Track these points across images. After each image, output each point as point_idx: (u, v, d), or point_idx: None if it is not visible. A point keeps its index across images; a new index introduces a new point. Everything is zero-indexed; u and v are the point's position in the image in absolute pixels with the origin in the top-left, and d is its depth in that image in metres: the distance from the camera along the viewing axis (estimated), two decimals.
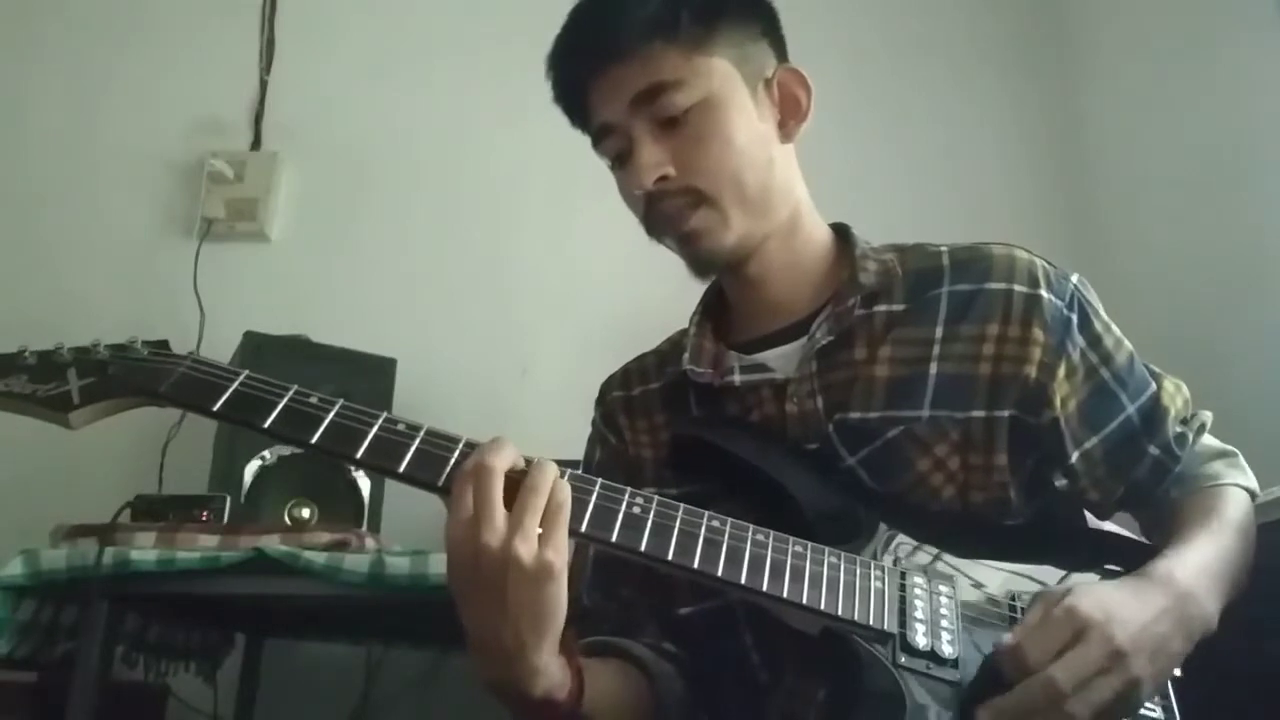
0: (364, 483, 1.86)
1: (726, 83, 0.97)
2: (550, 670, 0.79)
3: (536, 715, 0.82)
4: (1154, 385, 1.01)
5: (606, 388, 1.16)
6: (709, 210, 0.96)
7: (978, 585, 0.89)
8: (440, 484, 0.80)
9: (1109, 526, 1.11)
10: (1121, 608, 0.79)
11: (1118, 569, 0.92)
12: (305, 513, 1.82)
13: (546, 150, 2.29)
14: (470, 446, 0.83)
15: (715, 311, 1.11)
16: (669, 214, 0.97)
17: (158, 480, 2.15)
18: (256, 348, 1.93)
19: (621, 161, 0.99)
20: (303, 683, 2.14)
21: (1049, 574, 0.92)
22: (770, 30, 1.03)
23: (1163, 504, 1.00)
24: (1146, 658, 0.78)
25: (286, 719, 2.09)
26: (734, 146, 0.96)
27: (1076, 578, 0.91)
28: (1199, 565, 0.87)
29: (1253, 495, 1.01)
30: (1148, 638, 0.78)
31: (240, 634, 2.05)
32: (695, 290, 1.12)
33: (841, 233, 1.08)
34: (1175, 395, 1.02)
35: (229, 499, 1.72)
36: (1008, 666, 0.78)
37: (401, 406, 1.96)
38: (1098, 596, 0.80)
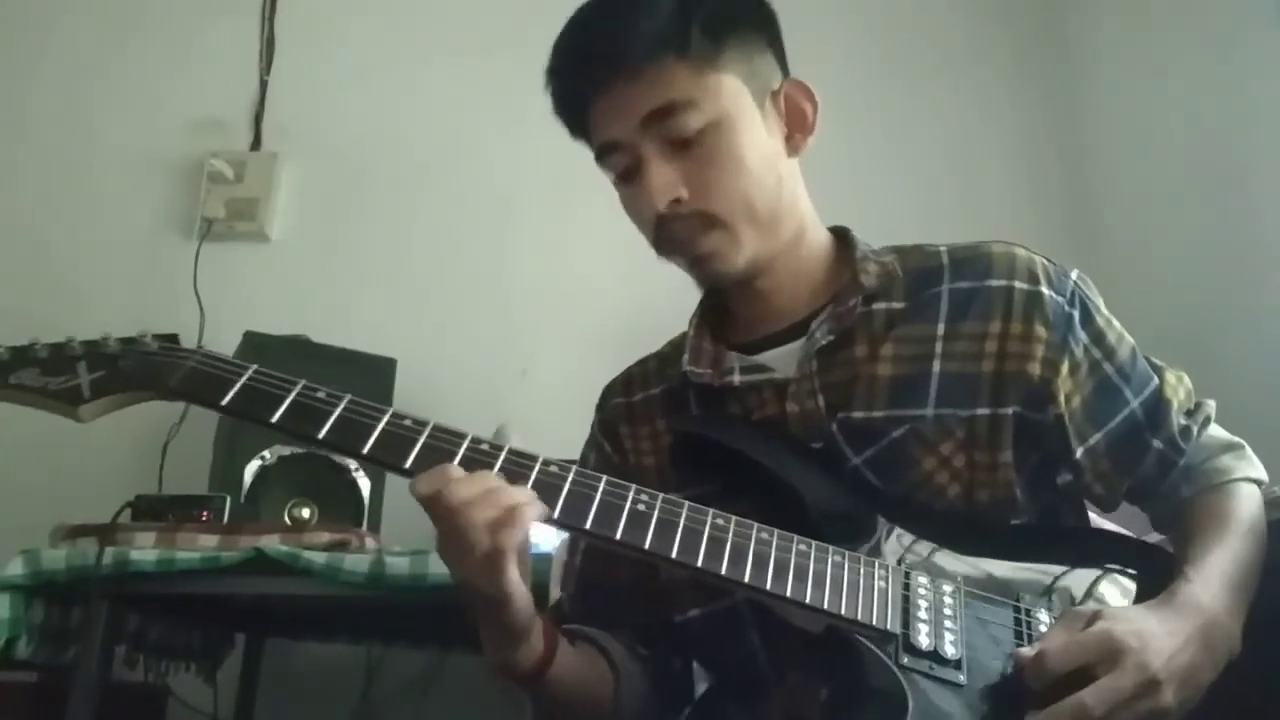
0: (364, 482, 1.86)
1: (737, 100, 0.95)
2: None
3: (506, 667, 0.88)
4: (1156, 379, 1.01)
5: (608, 394, 1.15)
6: (721, 233, 0.95)
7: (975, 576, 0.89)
8: None
9: (1111, 526, 1.12)
10: (1156, 636, 0.78)
11: (1121, 568, 0.93)
12: (305, 513, 1.82)
13: (546, 150, 2.28)
14: (476, 443, 0.83)
15: (714, 313, 1.10)
16: (681, 237, 0.96)
17: (158, 480, 2.15)
18: (256, 348, 1.92)
19: (628, 178, 0.97)
20: (303, 683, 2.14)
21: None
22: (774, 41, 1.02)
23: (1171, 499, 1.00)
24: (1177, 688, 0.77)
25: (286, 719, 2.09)
26: (746, 169, 0.94)
27: (1079, 574, 0.92)
28: (1223, 585, 0.86)
29: (1260, 484, 1.00)
30: (1179, 667, 0.78)
31: (240, 634, 2.05)
32: (695, 291, 1.11)
33: (842, 236, 1.08)
34: (1178, 387, 1.02)
35: (229, 499, 1.72)
36: (1032, 678, 0.78)
37: (401, 407, 1.95)
38: (1134, 623, 0.79)
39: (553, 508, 0.82)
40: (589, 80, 0.96)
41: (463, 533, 0.77)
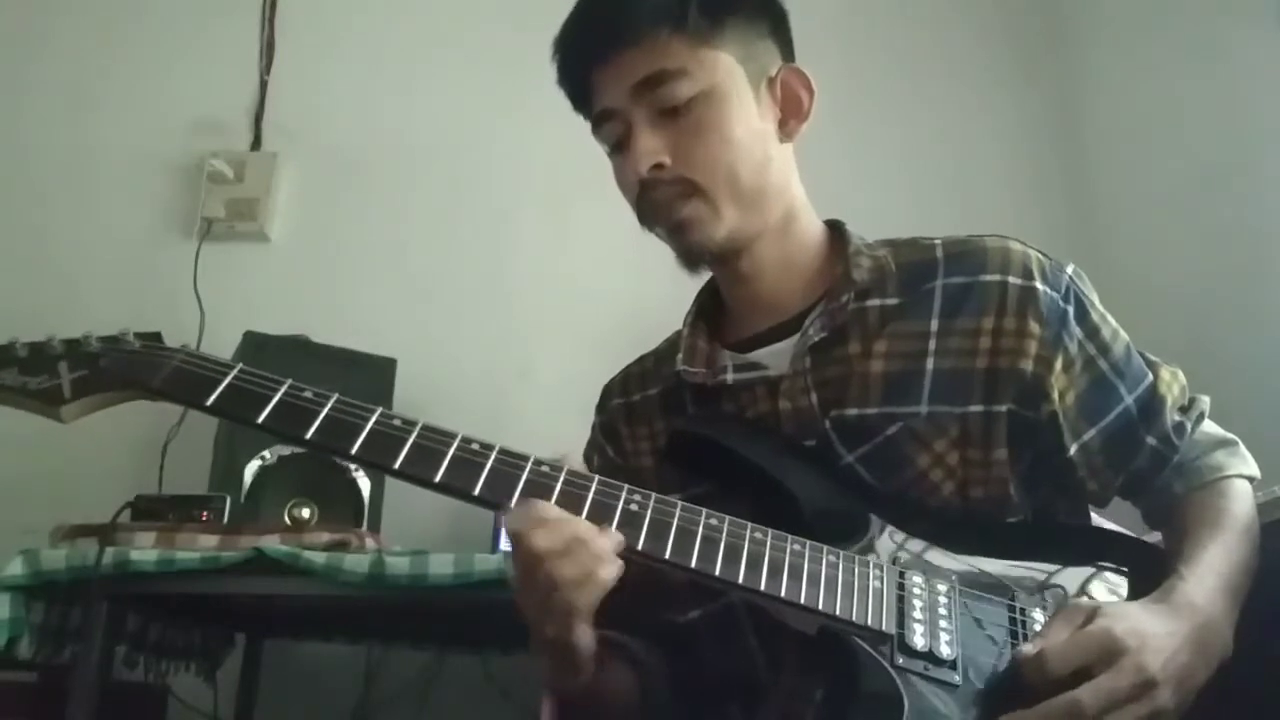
0: (364, 483, 1.86)
1: (729, 77, 0.97)
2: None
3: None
4: (1151, 375, 1.01)
5: (607, 394, 1.16)
6: (700, 202, 0.96)
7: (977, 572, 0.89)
8: (436, 480, 0.81)
9: (1106, 524, 1.12)
10: (1154, 637, 0.78)
11: (1115, 566, 0.92)
12: (305, 513, 1.82)
13: (546, 150, 2.31)
14: (466, 443, 0.83)
15: (709, 311, 1.10)
16: (660, 203, 0.97)
17: (158, 480, 2.15)
18: (256, 348, 1.93)
19: (620, 148, 0.99)
20: (303, 683, 2.14)
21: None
22: (778, 29, 1.03)
23: (1164, 495, 1.00)
24: (1173, 689, 0.77)
25: (286, 719, 2.09)
26: (731, 141, 0.96)
27: (1072, 572, 0.92)
28: (1216, 586, 0.86)
29: (1252, 480, 1.00)
30: (1176, 668, 0.78)
31: (240, 634, 2.05)
32: (694, 290, 1.12)
33: (836, 229, 1.08)
34: (1172, 383, 1.02)
35: (229, 499, 1.72)
36: (1032, 676, 0.77)
37: (401, 407, 1.92)
38: (1132, 622, 0.79)
39: None
40: (590, 51, 0.99)
41: (542, 587, 0.78)
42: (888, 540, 0.90)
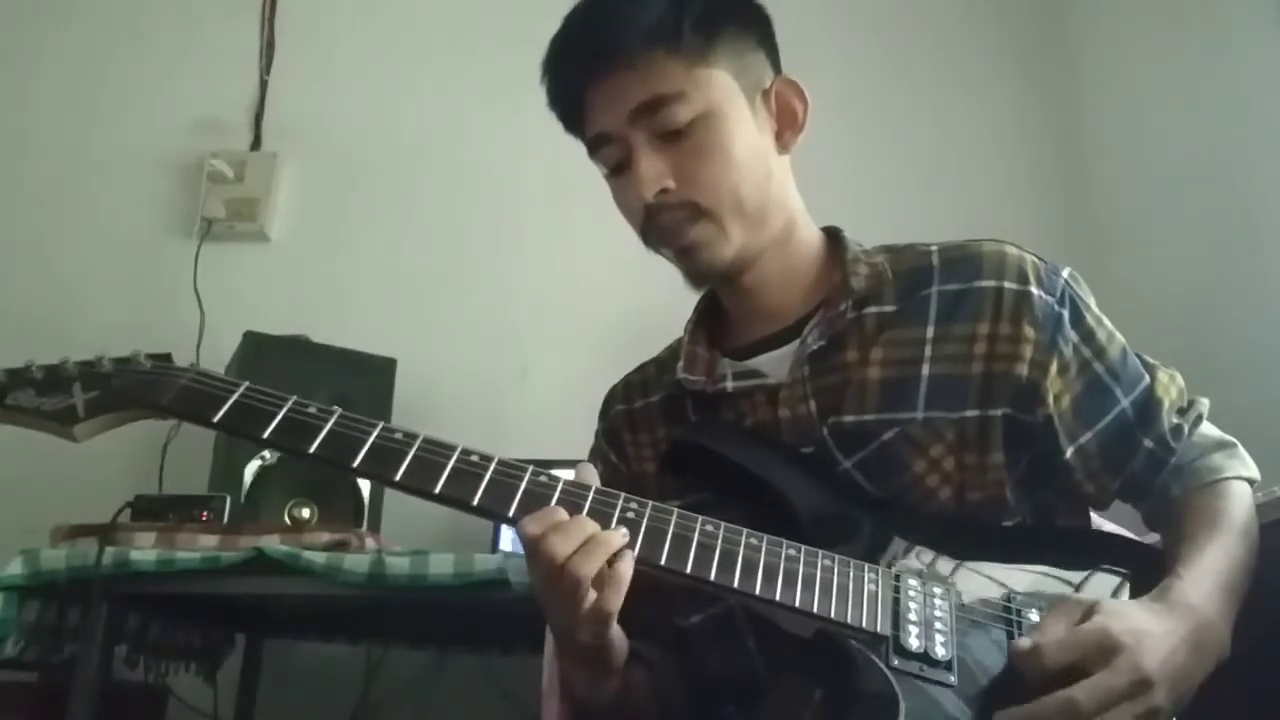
0: (364, 483, 1.86)
1: (726, 95, 0.96)
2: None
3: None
4: (1148, 377, 1.01)
5: (609, 401, 1.16)
6: (708, 224, 0.96)
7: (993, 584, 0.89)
8: (436, 491, 0.82)
9: (1109, 526, 1.12)
10: (1151, 636, 0.79)
11: (1116, 569, 0.93)
12: (305, 513, 1.82)
13: (546, 150, 2.29)
14: (466, 454, 0.84)
15: (709, 318, 1.11)
16: (668, 227, 0.97)
17: (158, 480, 2.15)
18: (256, 348, 1.93)
19: (619, 171, 0.99)
20: (303, 683, 2.14)
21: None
22: (766, 40, 1.03)
23: (1163, 497, 1.00)
24: (1169, 689, 0.78)
25: (286, 719, 2.09)
26: (734, 161, 0.95)
27: (1098, 586, 0.92)
28: (1214, 587, 0.87)
29: (1252, 483, 1.00)
30: (1172, 668, 0.78)
31: (240, 634, 2.05)
32: (693, 293, 1.12)
33: (833, 236, 1.08)
34: (1170, 386, 1.02)
35: (229, 499, 1.72)
36: (1027, 670, 0.78)
37: (401, 407, 1.97)
38: (1129, 621, 0.79)
39: None
40: (582, 72, 0.97)
41: (568, 589, 0.79)
42: (914, 561, 0.90)
